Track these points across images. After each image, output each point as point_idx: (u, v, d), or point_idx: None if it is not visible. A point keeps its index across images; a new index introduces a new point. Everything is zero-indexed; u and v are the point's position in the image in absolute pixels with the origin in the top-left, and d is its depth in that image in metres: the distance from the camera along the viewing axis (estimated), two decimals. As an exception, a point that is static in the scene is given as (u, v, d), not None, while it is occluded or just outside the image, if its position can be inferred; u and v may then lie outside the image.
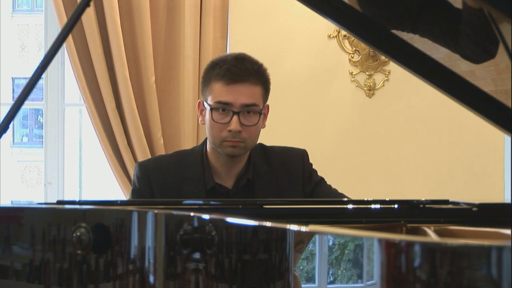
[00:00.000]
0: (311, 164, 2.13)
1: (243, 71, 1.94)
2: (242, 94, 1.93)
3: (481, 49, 1.48)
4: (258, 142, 2.09)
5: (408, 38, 1.48)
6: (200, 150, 2.06)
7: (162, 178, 2.02)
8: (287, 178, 2.05)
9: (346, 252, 1.17)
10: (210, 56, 3.49)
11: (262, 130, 2.04)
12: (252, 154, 2.06)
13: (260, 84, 1.97)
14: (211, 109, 1.95)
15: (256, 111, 1.96)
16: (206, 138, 2.05)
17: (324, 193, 2.06)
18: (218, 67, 1.95)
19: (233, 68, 1.93)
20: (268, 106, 2.04)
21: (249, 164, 2.04)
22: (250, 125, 1.95)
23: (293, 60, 3.59)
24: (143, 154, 3.42)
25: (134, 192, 2.06)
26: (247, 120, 1.95)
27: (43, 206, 1.65)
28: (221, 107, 1.94)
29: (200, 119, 2.04)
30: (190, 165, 2.04)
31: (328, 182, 2.12)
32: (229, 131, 1.93)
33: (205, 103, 1.99)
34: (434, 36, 1.51)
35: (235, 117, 1.93)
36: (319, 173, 2.13)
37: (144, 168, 2.06)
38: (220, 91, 1.94)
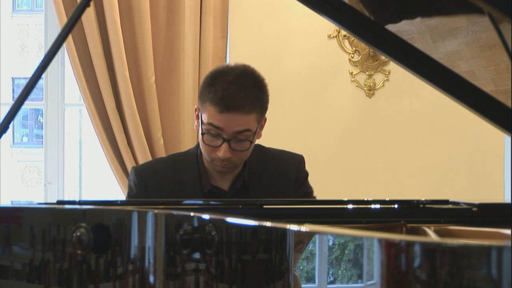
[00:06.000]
0: (307, 172, 2.11)
1: (237, 100, 1.87)
2: (235, 122, 1.88)
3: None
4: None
5: (408, 38, 1.48)
6: (195, 153, 2.05)
7: (158, 183, 2.00)
8: (281, 181, 2.05)
9: (346, 252, 1.17)
10: (210, 56, 3.50)
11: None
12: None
13: (255, 110, 1.91)
14: (202, 134, 1.92)
15: (248, 138, 1.92)
16: None
17: None
18: (214, 91, 1.89)
19: (227, 98, 1.87)
20: (265, 118, 2.00)
21: (245, 166, 2.03)
22: (240, 150, 1.93)
23: (293, 60, 3.59)
24: (143, 154, 3.43)
25: (131, 197, 2.03)
26: (237, 146, 1.92)
27: (43, 206, 1.65)
28: (213, 131, 1.90)
29: (195, 124, 2.01)
30: (186, 169, 2.02)
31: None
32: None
33: (200, 114, 1.95)
34: None
35: (224, 145, 1.90)
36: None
37: (140, 173, 2.04)
38: (213, 115, 1.89)
